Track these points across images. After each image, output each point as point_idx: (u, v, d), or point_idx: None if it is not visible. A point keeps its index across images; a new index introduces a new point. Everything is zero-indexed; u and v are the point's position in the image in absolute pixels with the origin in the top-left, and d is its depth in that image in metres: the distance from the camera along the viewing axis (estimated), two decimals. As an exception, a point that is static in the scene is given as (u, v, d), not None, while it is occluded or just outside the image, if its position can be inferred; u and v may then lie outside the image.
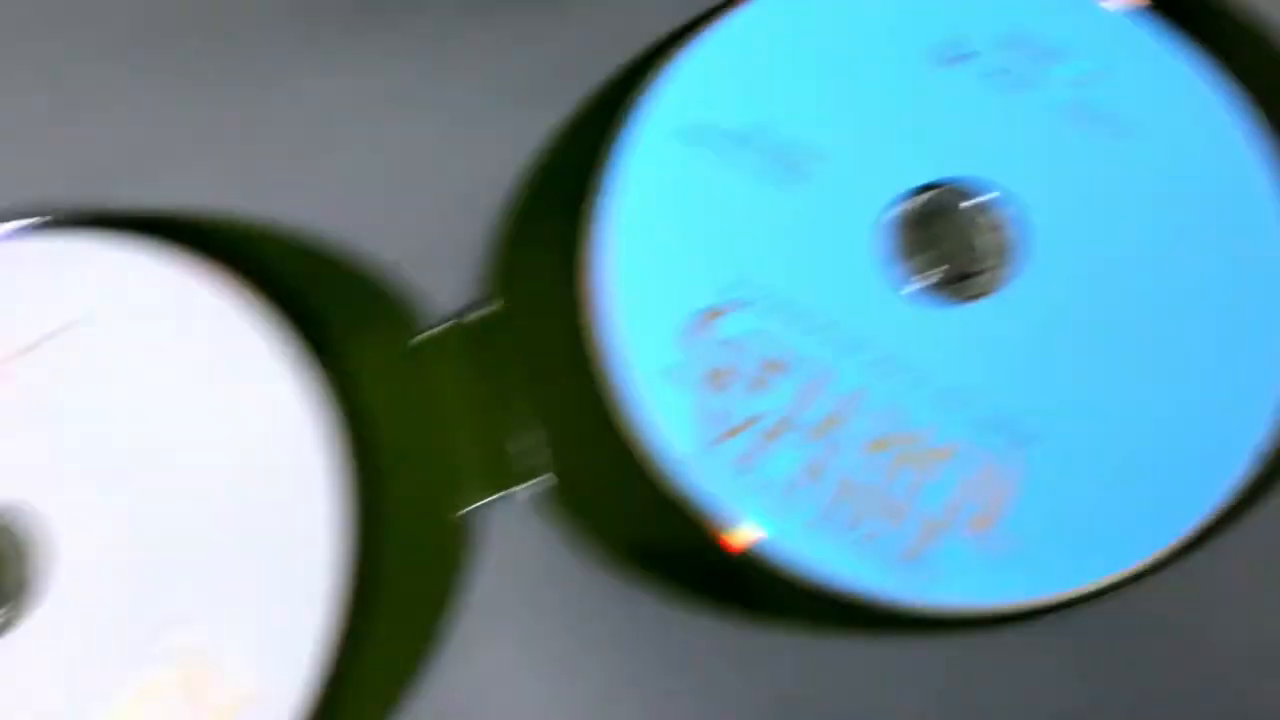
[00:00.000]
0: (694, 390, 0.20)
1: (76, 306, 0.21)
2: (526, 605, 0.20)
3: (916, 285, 0.21)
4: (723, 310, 0.20)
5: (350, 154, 0.22)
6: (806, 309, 0.20)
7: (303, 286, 0.21)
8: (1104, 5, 0.22)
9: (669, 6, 0.22)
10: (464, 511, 0.20)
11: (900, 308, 0.20)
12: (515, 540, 0.21)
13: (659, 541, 0.20)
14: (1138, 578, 0.19)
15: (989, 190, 0.21)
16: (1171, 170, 0.21)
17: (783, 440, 0.20)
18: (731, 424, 0.20)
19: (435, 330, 0.21)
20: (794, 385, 0.20)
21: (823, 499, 0.20)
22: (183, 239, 0.21)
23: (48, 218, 0.21)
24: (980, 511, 0.19)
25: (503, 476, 0.21)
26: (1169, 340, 0.20)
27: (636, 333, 0.20)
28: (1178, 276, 0.20)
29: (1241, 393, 0.20)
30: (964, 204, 0.21)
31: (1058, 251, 0.21)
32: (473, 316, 0.21)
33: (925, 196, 0.21)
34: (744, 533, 0.20)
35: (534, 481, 0.21)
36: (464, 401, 0.21)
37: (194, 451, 0.20)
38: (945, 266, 0.21)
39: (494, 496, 0.21)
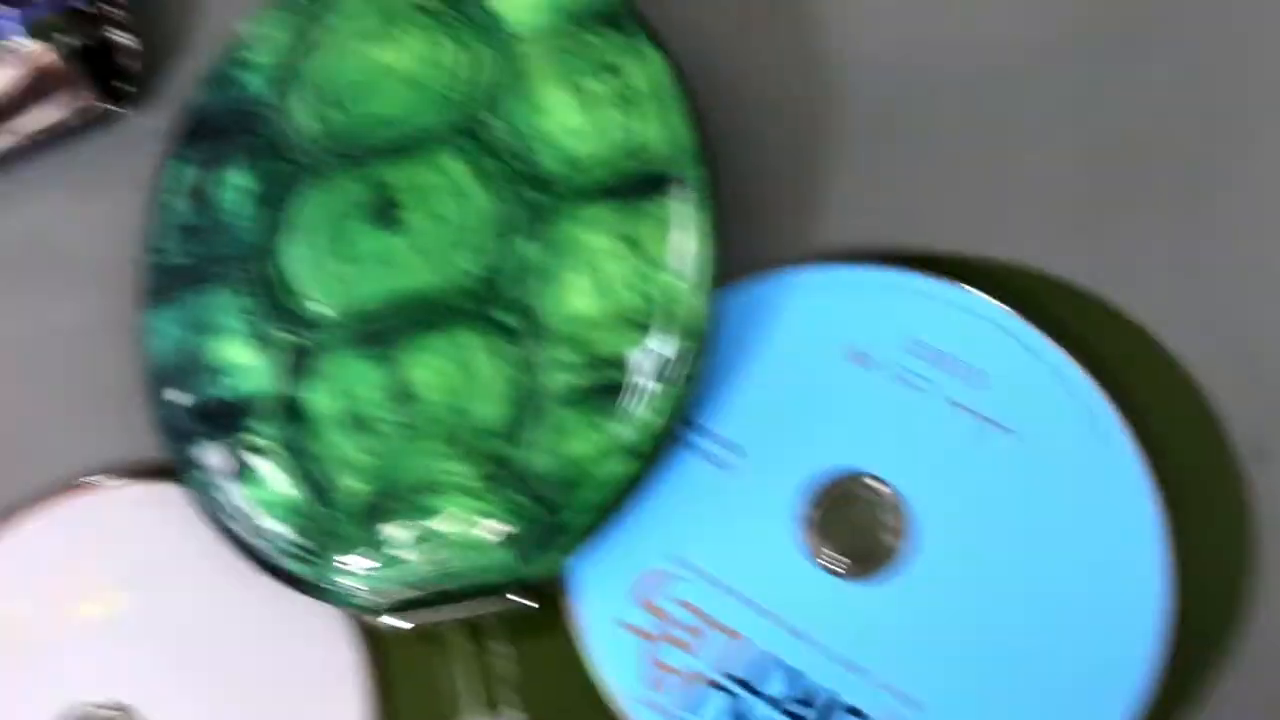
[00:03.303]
0: (639, 640, 0.25)
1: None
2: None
3: (823, 563, 0.25)
4: (666, 574, 0.25)
5: None
6: (730, 580, 0.25)
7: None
8: (991, 317, 0.26)
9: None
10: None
11: (809, 583, 0.25)
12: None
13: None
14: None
15: (888, 481, 0.25)
16: (1047, 468, 0.25)
17: (708, 692, 0.24)
18: (668, 673, 0.24)
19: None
20: (717, 646, 0.24)
21: (739, 745, 0.24)
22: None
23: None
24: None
25: (490, 705, 0.26)
26: (1043, 626, 0.24)
27: (595, 588, 0.25)
28: (1053, 567, 0.24)
29: (1107, 681, 0.24)
30: (866, 493, 0.25)
31: (946, 537, 0.25)
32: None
33: (831, 484, 0.25)
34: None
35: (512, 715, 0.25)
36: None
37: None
38: (848, 548, 0.25)
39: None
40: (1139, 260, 0.27)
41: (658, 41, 0.26)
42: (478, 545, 0.24)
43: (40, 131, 0.31)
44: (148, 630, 0.27)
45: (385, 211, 0.26)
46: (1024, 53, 0.29)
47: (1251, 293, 0.26)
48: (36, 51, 0.30)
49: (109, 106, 0.31)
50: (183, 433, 0.26)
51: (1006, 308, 0.26)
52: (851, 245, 0.28)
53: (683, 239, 0.24)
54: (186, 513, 0.27)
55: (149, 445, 0.28)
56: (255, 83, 0.28)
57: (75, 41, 0.30)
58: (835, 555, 0.25)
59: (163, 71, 0.33)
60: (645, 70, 0.26)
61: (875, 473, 0.25)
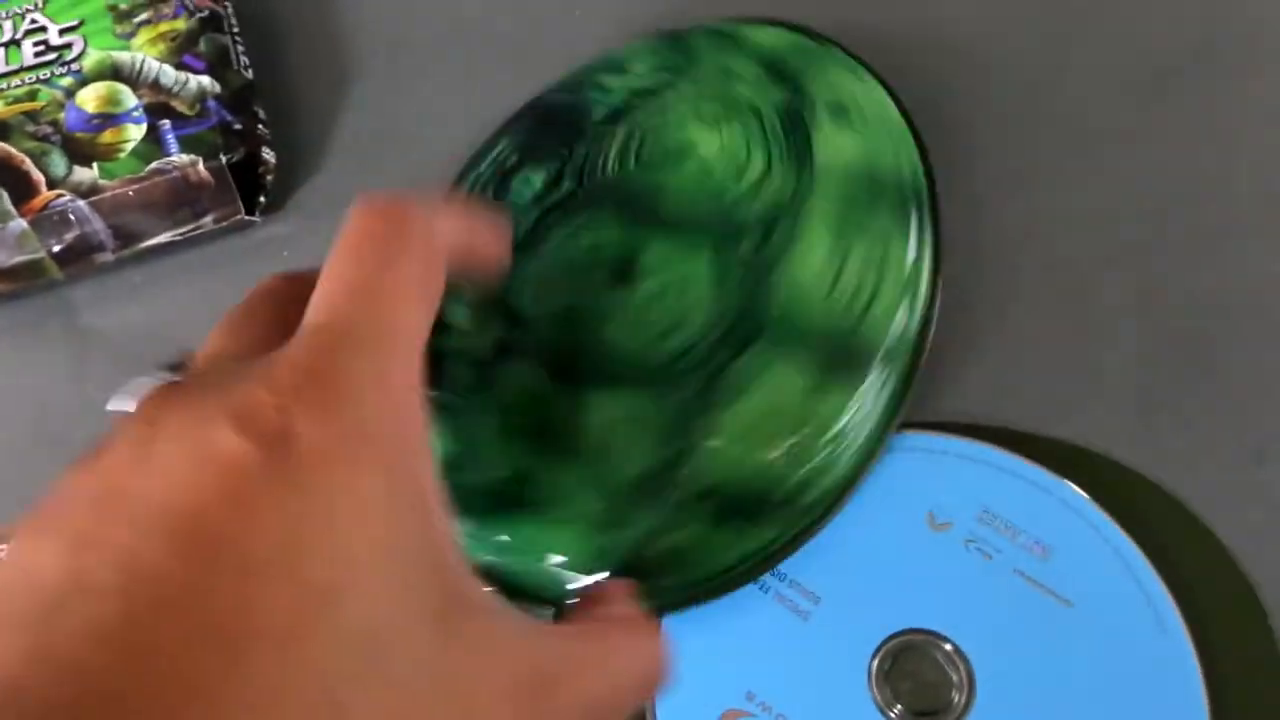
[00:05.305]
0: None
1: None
2: None
3: (889, 714, 0.26)
4: (740, 714, 0.27)
5: None
6: (803, 722, 0.26)
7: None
8: (1060, 495, 0.28)
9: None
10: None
11: (876, 732, 0.26)
12: None
13: None
14: None
15: (953, 640, 0.27)
16: (1101, 642, 0.26)
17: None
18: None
19: None
20: (786, 787, 0.26)
21: None
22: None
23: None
24: None
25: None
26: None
27: (673, 722, 0.27)
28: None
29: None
30: (932, 650, 0.27)
31: (1004, 697, 0.26)
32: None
33: (900, 640, 0.27)
34: None
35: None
36: None
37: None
38: (912, 700, 0.27)
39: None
40: (1202, 454, 0.29)
41: (937, 237, 0.28)
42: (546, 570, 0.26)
43: (180, 234, 0.34)
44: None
45: (623, 271, 0.28)
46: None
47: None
48: (188, 163, 0.32)
49: (245, 216, 0.34)
50: None
51: (1076, 487, 0.28)
52: (936, 417, 0.30)
53: (864, 414, 0.27)
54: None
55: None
56: (598, 106, 0.31)
57: (225, 157, 0.33)
58: (900, 706, 0.27)
59: (292, 185, 0.36)
60: (907, 258, 0.27)
61: (942, 632, 0.27)
